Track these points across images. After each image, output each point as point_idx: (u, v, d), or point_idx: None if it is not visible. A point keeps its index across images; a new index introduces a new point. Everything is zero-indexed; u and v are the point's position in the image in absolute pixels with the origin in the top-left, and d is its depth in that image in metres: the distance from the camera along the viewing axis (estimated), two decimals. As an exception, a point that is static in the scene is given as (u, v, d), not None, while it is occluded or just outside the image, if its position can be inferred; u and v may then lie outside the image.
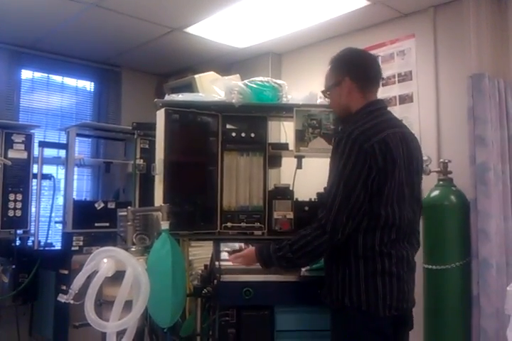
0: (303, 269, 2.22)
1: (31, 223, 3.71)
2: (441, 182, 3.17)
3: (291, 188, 2.53)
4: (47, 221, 3.80)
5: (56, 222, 3.79)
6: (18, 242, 3.71)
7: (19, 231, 3.68)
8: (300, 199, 2.53)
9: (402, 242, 1.94)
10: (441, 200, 3.10)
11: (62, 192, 3.80)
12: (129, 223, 2.27)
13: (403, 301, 1.90)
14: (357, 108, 2.03)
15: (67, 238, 3.62)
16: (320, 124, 2.47)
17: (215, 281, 2.13)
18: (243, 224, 2.44)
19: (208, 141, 2.47)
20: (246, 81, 2.55)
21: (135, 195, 3.00)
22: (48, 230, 3.78)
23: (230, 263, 2.23)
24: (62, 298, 1.93)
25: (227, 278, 2.10)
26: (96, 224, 3.67)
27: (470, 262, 3.03)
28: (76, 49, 4.64)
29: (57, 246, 3.84)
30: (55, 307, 3.57)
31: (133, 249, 2.22)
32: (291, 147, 2.50)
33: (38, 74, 4.77)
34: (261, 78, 2.57)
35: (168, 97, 2.53)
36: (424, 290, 3.04)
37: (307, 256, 1.94)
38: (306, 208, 2.48)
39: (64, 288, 3.37)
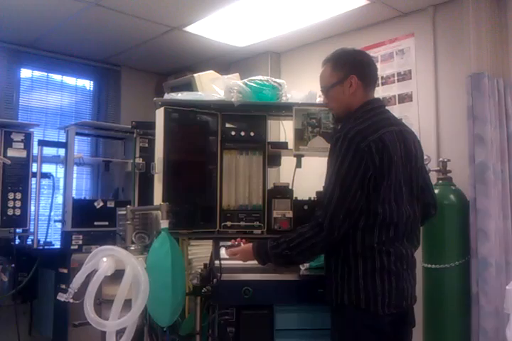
0: (302, 268, 2.23)
1: (30, 222, 3.71)
2: (440, 182, 3.17)
3: (290, 187, 2.54)
4: (46, 220, 3.80)
5: (55, 221, 3.79)
6: (17, 241, 3.71)
7: (18, 230, 3.69)
8: (299, 198, 2.54)
9: (401, 240, 1.94)
10: (441, 199, 3.08)
11: (61, 191, 3.80)
12: (129, 222, 2.28)
13: (403, 299, 1.91)
14: (356, 106, 2.04)
15: (66, 237, 3.62)
16: (319, 123, 2.47)
17: (215, 280, 2.13)
18: (242, 223, 2.44)
19: (207, 140, 2.47)
20: (245, 80, 2.55)
21: (134, 193, 3.00)
22: (48, 229, 3.78)
23: (230, 262, 2.22)
24: (61, 297, 1.94)
25: (226, 277, 2.10)
26: (95, 223, 3.67)
27: (469, 261, 3.03)
28: (75, 48, 4.63)
29: (57, 245, 3.84)
30: (55, 306, 3.57)
31: (132, 248, 2.22)
32: (291, 146, 2.50)
33: (37, 73, 4.76)
34: (260, 77, 2.57)
35: (167, 96, 2.53)
36: (423, 290, 3.04)
37: (304, 254, 1.95)
38: (306, 207, 2.49)
39: (63, 286, 3.36)
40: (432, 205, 2.24)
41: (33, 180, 3.74)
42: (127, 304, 1.92)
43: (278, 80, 2.60)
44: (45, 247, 3.74)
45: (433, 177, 3.19)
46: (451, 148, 3.47)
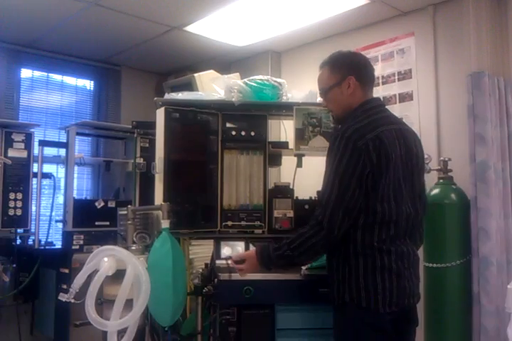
0: (303, 268, 2.22)
1: (32, 222, 3.71)
2: (441, 181, 3.17)
3: (291, 187, 2.53)
4: (47, 220, 3.80)
5: (56, 221, 3.79)
6: (18, 241, 3.71)
7: (19, 230, 3.68)
8: (300, 197, 2.54)
9: (402, 238, 1.95)
10: (442, 198, 3.10)
11: (62, 191, 3.79)
12: (130, 222, 2.28)
13: (404, 297, 1.91)
14: (355, 106, 2.05)
15: (67, 237, 3.61)
16: (320, 123, 2.47)
17: (216, 280, 2.13)
18: (243, 223, 2.44)
19: (207, 140, 2.47)
20: (246, 79, 2.55)
21: (135, 193, 2.99)
22: (49, 229, 3.78)
23: (230, 261, 2.22)
24: (63, 297, 1.94)
25: (227, 276, 2.10)
26: (96, 223, 3.67)
27: (470, 260, 3.03)
28: (75, 48, 4.64)
29: (58, 245, 3.84)
30: (56, 306, 3.57)
31: (133, 248, 2.22)
32: (291, 145, 2.50)
33: (37, 73, 4.77)
34: (261, 76, 2.57)
35: (167, 96, 2.53)
36: (424, 289, 3.04)
37: (306, 254, 1.95)
38: (306, 206, 2.49)
39: (65, 287, 3.37)
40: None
41: (34, 180, 3.74)
42: (128, 304, 1.92)
43: (278, 80, 2.60)
44: (47, 247, 3.74)
45: (434, 177, 3.20)
46: (451, 147, 3.47)
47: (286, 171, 2.70)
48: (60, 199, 3.85)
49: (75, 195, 3.76)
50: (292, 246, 1.92)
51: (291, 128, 2.51)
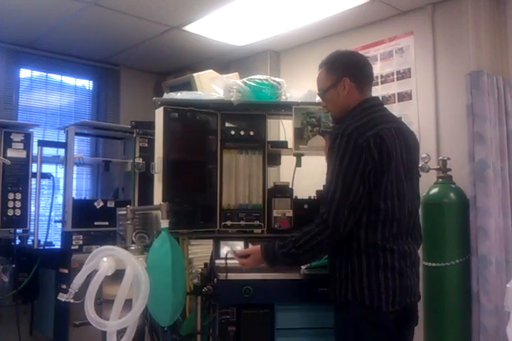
0: (302, 267, 2.22)
1: (31, 222, 3.70)
2: (440, 180, 3.18)
3: (290, 186, 2.53)
4: (46, 220, 3.80)
5: (56, 221, 3.78)
6: (17, 241, 3.71)
7: (19, 231, 3.68)
8: (299, 197, 2.53)
9: (404, 237, 1.95)
10: (441, 198, 3.11)
11: (61, 191, 3.79)
12: (129, 222, 2.28)
13: (406, 296, 1.92)
14: (354, 105, 2.05)
15: (66, 237, 3.61)
16: (319, 122, 2.47)
17: (215, 280, 2.13)
18: (243, 223, 2.44)
19: (207, 140, 2.47)
20: (245, 79, 2.55)
21: (134, 193, 3.00)
22: (48, 229, 3.78)
23: (230, 261, 2.22)
24: (62, 297, 1.94)
25: (227, 276, 2.10)
26: (95, 223, 3.66)
27: (469, 259, 3.03)
28: (74, 48, 4.63)
29: (57, 245, 3.83)
30: (56, 306, 3.57)
31: (132, 248, 2.22)
32: (291, 145, 2.50)
33: (36, 73, 4.76)
34: (259, 76, 2.57)
35: (166, 96, 2.53)
36: (424, 288, 3.04)
37: (311, 252, 1.95)
38: (306, 206, 2.49)
39: (64, 287, 3.37)
40: None
41: (33, 181, 3.73)
42: (128, 304, 1.92)
43: (277, 79, 2.60)
44: (46, 247, 3.74)
45: (433, 176, 3.20)
46: (450, 146, 3.47)
47: (286, 171, 2.70)
48: (59, 199, 3.84)
49: (74, 195, 3.76)
50: (297, 244, 1.93)
51: (290, 127, 2.51)
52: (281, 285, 2.14)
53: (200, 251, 2.61)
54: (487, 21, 3.22)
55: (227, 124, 2.53)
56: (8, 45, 4.46)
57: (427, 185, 3.14)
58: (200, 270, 2.37)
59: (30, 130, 3.79)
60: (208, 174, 2.45)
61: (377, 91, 3.75)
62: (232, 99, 2.43)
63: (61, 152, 3.82)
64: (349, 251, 1.91)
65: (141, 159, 3.21)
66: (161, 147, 2.36)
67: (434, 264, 3.02)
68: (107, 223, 3.63)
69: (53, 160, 3.92)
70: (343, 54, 2.15)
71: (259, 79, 2.54)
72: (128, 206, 2.35)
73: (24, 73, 4.67)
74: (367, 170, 1.86)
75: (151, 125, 2.54)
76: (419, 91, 3.70)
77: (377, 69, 3.81)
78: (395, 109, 3.69)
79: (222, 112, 2.51)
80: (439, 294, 3.02)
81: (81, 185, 4.69)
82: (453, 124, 3.46)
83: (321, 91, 2.14)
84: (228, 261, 2.15)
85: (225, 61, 4.83)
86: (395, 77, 3.84)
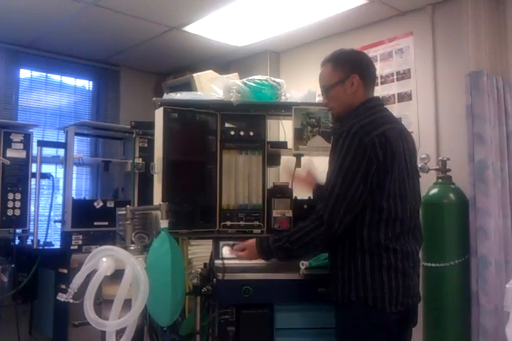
0: (302, 267, 2.23)
1: (30, 222, 3.70)
2: (440, 180, 3.18)
3: (290, 186, 2.53)
4: (46, 220, 3.79)
5: (55, 221, 3.78)
6: (17, 241, 3.70)
7: (18, 231, 3.68)
8: (299, 197, 2.53)
9: (406, 237, 1.96)
10: (440, 198, 3.11)
11: (61, 191, 3.79)
12: (128, 222, 2.27)
13: (409, 296, 1.92)
14: (357, 104, 2.05)
15: (66, 237, 3.61)
16: (319, 122, 2.47)
17: (215, 280, 2.13)
18: (242, 223, 2.44)
19: (206, 140, 2.47)
20: (244, 79, 2.54)
21: (134, 193, 3.00)
22: (47, 229, 3.77)
23: (230, 261, 2.22)
24: (61, 297, 1.94)
25: (226, 276, 2.10)
26: (95, 223, 3.66)
27: (469, 260, 3.04)
28: (74, 48, 4.64)
29: (57, 245, 3.83)
30: (55, 306, 3.57)
31: (132, 248, 2.21)
32: (290, 145, 2.50)
33: (36, 74, 4.77)
34: (259, 76, 2.57)
35: (166, 96, 2.53)
36: (423, 288, 3.04)
37: (305, 247, 1.95)
38: (305, 206, 2.49)
39: (63, 287, 3.37)
40: None
41: (33, 181, 3.73)
42: (127, 304, 1.92)
43: (277, 80, 2.60)
44: (45, 247, 3.73)
45: (432, 176, 3.21)
46: (450, 146, 3.47)
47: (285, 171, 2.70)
48: (59, 199, 3.84)
49: (73, 195, 3.76)
50: (291, 239, 1.94)
51: (289, 128, 2.51)
52: (281, 286, 2.14)
53: (199, 251, 2.60)
54: (487, 22, 3.22)
55: (226, 125, 2.52)
56: (8, 45, 4.47)
57: (427, 185, 3.15)
58: (199, 270, 2.36)
59: (30, 130, 3.79)
60: (207, 174, 2.45)
61: (377, 91, 3.69)
62: (232, 99, 2.43)
63: (61, 152, 3.82)
64: (352, 250, 1.91)
65: (140, 159, 3.22)
66: (160, 147, 2.35)
67: (433, 264, 3.02)
68: (106, 223, 3.63)
69: (53, 160, 3.92)
70: (350, 52, 2.14)
71: (259, 80, 2.54)
72: (127, 206, 2.35)
73: (24, 73, 4.67)
74: (371, 170, 1.86)
75: (150, 125, 2.54)
76: (419, 92, 3.70)
77: (377, 69, 3.71)
78: (394, 109, 3.70)
79: (222, 112, 2.50)
80: (439, 294, 3.02)
81: (81, 185, 4.69)
82: (452, 125, 3.47)
83: (325, 87, 2.11)
84: (228, 261, 2.16)
85: (225, 61, 4.83)
86: (395, 77, 3.84)
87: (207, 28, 4.08)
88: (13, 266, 3.57)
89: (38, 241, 3.72)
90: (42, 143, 3.83)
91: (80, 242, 3.58)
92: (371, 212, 1.89)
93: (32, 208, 3.72)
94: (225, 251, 2.32)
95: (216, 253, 2.37)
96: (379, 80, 3.85)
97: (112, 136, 4.20)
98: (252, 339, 2.13)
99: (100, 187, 4.58)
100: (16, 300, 3.59)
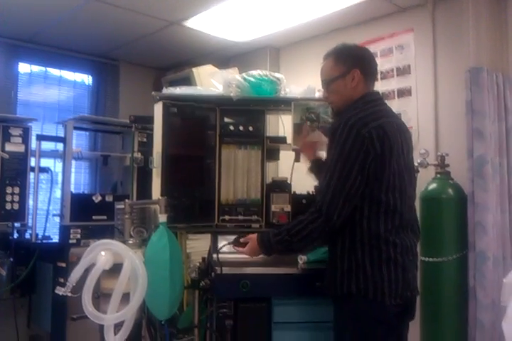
0: (300, 262, 2.23)
1: (29, 216, 3.70)
2: (438, 176, 3.18)
3: (288, 181, 2.54)
4: (44, 214, 3.79)
5: (54, 215, 3.78)
6: (15, 235, 3.71)
7: (17, 224, 3.68)
8: (298, 192, 2.54)
9: (405, 230, 1.97)
10: (439, 193, 3.11)
11: (59, 186, 3.79)
12: (127, 216, 2.28)
13: (408, 290, 1.93)
14: (356, 98, 2.05)
15: (64, 231, 3.61)
16: (318, 118, 2.47)
17: (213, 274, 2.13)
18: (241, 217, 2.45)
19: (205, 135, 2.47)
20: (244, 74, 2.54)
21: (133, 188, 3.00)
22: (46, 223, 3.78)
23: (228, 255, 2.23)
24: (60, 291, 1.94)
25: (224, 270, 2.10)
26: (93, 217, 3.66)
27: (467, 255, 3.04)
28: (74, 42, 4.62)
29: (55, 239, 3.83)
30: (53, 300, 3.58)
31: (130, 242, 2.22)
32: (289, 140, 2.50)
33: (35, 68, 4.75)
34: (259, 72, 2.56)
35: (166, 91, 2.53)
36: (421, 283, 3.04)
37: (305, 240, 1.95)
38: (304, 201, 2.50)
39: (62, 280, 3.37)
40: None
41: (32, 175, 3.73)
42: (125, 298, 1.92)
43: (277, 75, 2.60)
44: (44, 241, 3.74)
45: (431, 172, 3.21)
46: (449, 142, 3.47)
47: (284, 166, 2.70)
48: (58, 193, 3.84)
49: (72, 189, 3.77)
50: (291, 232, 1.94)
51: (289, 123, 2.51)
52: (279, 280, 2.15)
53: (198, 245, 2.60)
54: (487, 18, 3.22)
55: (226, 119, 2.53)
56: (8, 40, 4.45)
57: (426, 180, 3.15)
58: (197, 264, 2.37)
59: (29, 124, 3.78)
60: (206, 169, 2.45)
61: (377, 87, 3.64)
62: (232, 94, 2.43)
63: (59, 146, 3.82)
64: (352, 243, 1.91)
65: (139, 154, 3.22)
66: (159, 142, 2.36)
67: (431, 259, 3.02)
68: (105, 217, 3.63)
69: (52, 154, 3.92)
70: (353, 46, 2.14)
71: (259, 75, 2.54)
72: (126, 200, 2.35)
73: (23, 67, 4.66)
74: (368, 160, 1.86)
75: (150, 120, 2.54)
76: (419, 88, 3.70)
77: (377, 65, 3.79)
78: (394, 105, 3.69)
79: (222, 107, 2.50)
80: (436, 289, 3.03)
81: (79, 179, 4.69)
82: (452, 120, 3.47)
83: (326, 81, 2.11)
84: (226, 255, 2.16)
85: (225, 57, 4.82)
86: (395, 73, 3.84)
87: (207, 23, 4.07)
88: (11, 259, 3.57)
89: (37, 235, 3.72)
90: (41, 137, 3.82)
91: (79, 236, 3.59)
92: (370, 204, 1.90)
93: (30, 202, 3.72)
94: (226, 246, 2.32)
95: (214, 248, 2.37)
96: (379, 76, 3.84)
97: (111, 130, 4.20)
98: (250, 333, 2.13)
99: (99, 181, 4.58)
100: (14, 294, 3.60)
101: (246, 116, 2.55)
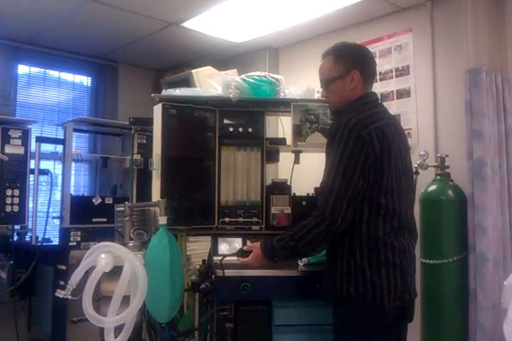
0: (300, 264, 2.23)
1: (29, 218, 3.69)
2: (438, 177, 3.18)
3: (288, 183, 2.53)
4: (44, 216, 3.79)
5: (54, 218, 3.78)
6: (15, 238, 3.70)
7: (17, 227, 3.67)
8: (298, 194, 2.53)
9: (403, 232, 1.96)
10: (439, 195, 3.11)
11: (59, 188, 3.79)
12: (127, 218, 2.27)
13: (406, 292, 1.93)
14: (354, 98, 2.05)
15: (64, 233, 3.61)
16: (317, 119, 2.46)
17: (213, 276, 2.13)
18: (241, 219, 2.44)
19: (205, 136, 2.47)
20: (243, 76, 2.54)
21: (132, 190, 3.00)
22: (46, 225, 3.78)
23: (228, 258, 2.22)
24: (60, 294, 1.95)
25: (225, 273, 2.10)
26: (93, 220, 3.66)
27: (467, 256, 3.04)
28: (73, 44, 4.62)
29: (55, 241, 3.83)
30: (53, 303, 3.57)
31: (130, 244, 2.22)
32: (289, 142, 2.50)
33: (34, 69, 4.75)
34: (258, 73, 2.56)
35: (165, 92, 2.52)
36: (421, 285, 3.05)
37: (309, 245, 1.93)
38: (304, 203, 2.49)
39: (62, 283, 3.37)
40: None
41: (31, 177, 3.72)
42: (126, 300, 1.92)
43: (276, 76, 2.59)
44: (44, 244, 3.73)
45: (431, 173, 3.21)
46: (449, 143, 3.47)
47: (284, 167, 2.70)
48: (57, 195, 3.84)
49: (72, 191, 3.76)
50: (295, 237, 1.92)
51: (288, 124, 2.50)
52: (279, 282, 2.15)
53: (198, 247, 2.60)
54: (486, 18, 3.21)
55: (225, 121, 2.52)
56: (7, 41, 4.45)
57: (425, 182, 3.15)
58: (198, 266, 2.37)
59: (28, 126, 3.77)
60: (206, 171, 2.45)
61: (376, 88, 3.69)
62: (231, 95, 2.42)
63: (59, 148, 3.82)
64: (351, 246, 1.91)
65: (139, 155, 3.22)
66: (159, 143, 2.35)
67: (431, 261, 3.02)
68: (105, 219, 3.62)
69: (51, 156, 3.92)
70: (353, 46, 2.12)
71: (258, 76, 2.54)
72: (126, 202, 2.35)
73: (22, 69, 4.66)
74: (368, 163, 1.86)
75: (149, 121, 2.53)
76: (418, 89, 3.70)
77: (376, 66, 3.80)
78: (393, 106, 3.70)
79: (221, 109, 2.50)
80: (437, 291, 3.03)
81: (79, 182, 4.68)
82: (451, 121, 3.46)
83: (325, 80, 2.10)
84: (226, 258, 2.15)
85: (224, 57, 4.82)
86: (394, 74, 3.83)
87: (205, 24, 4.07)
88: (11, 262, 3.56)
89: (37, 237, 3.72)
90: (40, 139, 3.82)
91: (79, 238, 3.58)
92: (369, 207, 1.89)
93: (30, 204, 3.71)
94: (224, 247, 2.32)
95: (215, 250, 2.37)
96: (378, 77, 3.84)
97: (110, 132, 4.20)
98: (251, 336, 2.13)
99: (99, 183, 4.57)
100: (15, 297, 3.59)
101: (245, 118, 2.55)
